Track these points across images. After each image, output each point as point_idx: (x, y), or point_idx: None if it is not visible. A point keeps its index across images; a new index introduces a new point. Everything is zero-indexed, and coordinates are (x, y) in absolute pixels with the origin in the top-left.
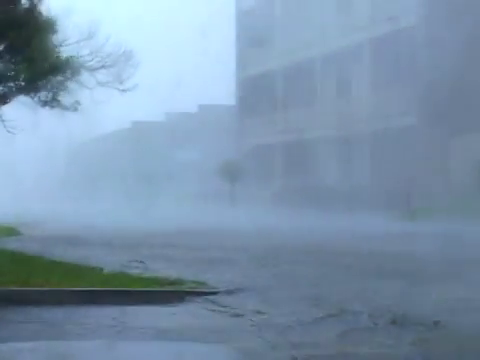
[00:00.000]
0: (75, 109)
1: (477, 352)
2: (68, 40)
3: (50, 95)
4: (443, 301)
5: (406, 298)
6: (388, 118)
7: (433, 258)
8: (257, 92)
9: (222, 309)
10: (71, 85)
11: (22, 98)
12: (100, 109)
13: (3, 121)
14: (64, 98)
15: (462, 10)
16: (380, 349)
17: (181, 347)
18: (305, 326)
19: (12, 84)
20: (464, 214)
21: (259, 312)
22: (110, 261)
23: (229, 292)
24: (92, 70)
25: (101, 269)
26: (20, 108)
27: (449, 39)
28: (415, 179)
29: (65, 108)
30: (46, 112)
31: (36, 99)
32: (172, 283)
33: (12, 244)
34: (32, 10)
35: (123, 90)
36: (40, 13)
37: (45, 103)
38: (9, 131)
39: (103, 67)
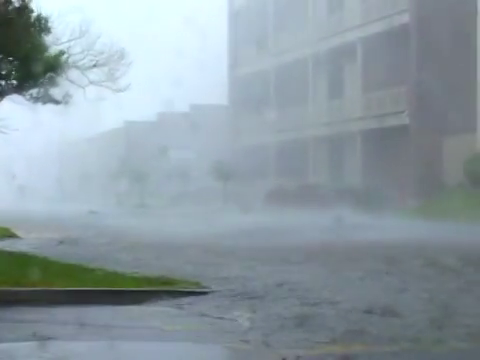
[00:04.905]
0: (66, 102)
1: None
2: (60, 39)
3: (41, 91)
4: None
5: None
6: (380, 118)
7: None
8: (249, 92)
9: (209, 310)
10: (62, 82)
11: (13, 96)
12: (92, 109)
13: None
14: (55, 93)
15: (454, 9)
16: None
17: (169, 347)
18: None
19: (3, 83)
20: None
21: (251, 313)
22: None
23: (220, 292)
24: (84, 69)
25: (93, 269)
26: (13, 108)
27: (441, 39)
28: (407, 178)
29: (56, 102)
30: (39, 112)
31: (28, 96)
32: (165, 283)
33: (6, 245)
34: (23, 9)
35: (116, 90)
36: (31, 12)
37: (37, 99)
38: (1, 131)
39: (95, 66)
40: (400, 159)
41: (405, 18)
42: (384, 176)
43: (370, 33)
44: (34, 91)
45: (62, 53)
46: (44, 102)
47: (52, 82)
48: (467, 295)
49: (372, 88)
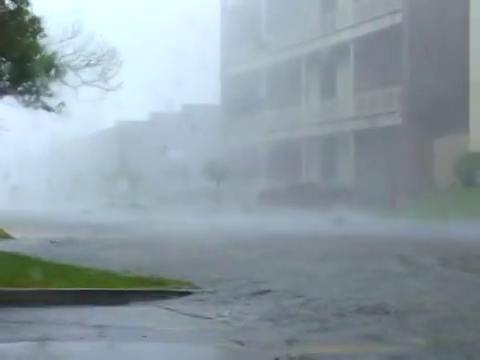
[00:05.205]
0: (59, 111)
1: None
2: (52, 39)
3: (34, 97)
4: None
5: None
6: (373, 118)
7: None
8: (242, 92)
9: (202, 310)
10: (55, 86)
11: (6, 98)
12: (85, 109)
13: None
14: (48, 99)
15: (446, 9)
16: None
17: (162, 348)
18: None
19: None
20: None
21: (244, 313)
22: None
23: (213, 292)
24: (76, 69)
25: (86, 269)
26: (5, 108)
27: (433, 39)
28: (399, 178)
29: (49, 109)
30: (32, 112)
31: (20, 99)
32: (157, 283)
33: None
34: (16, 10)
35: (108, 89)
36: (24, 13)
37: (28, 104)
38: None
39: (87, 66)
40: (392, 159)
41: (398, 18)
42: (376, 176)
43: (363, 33)
44: (27, 95)
45: (55, 54)
46: (36, 107)
47: (45, 84)
48: (443, 292)
49: (364, 88)
